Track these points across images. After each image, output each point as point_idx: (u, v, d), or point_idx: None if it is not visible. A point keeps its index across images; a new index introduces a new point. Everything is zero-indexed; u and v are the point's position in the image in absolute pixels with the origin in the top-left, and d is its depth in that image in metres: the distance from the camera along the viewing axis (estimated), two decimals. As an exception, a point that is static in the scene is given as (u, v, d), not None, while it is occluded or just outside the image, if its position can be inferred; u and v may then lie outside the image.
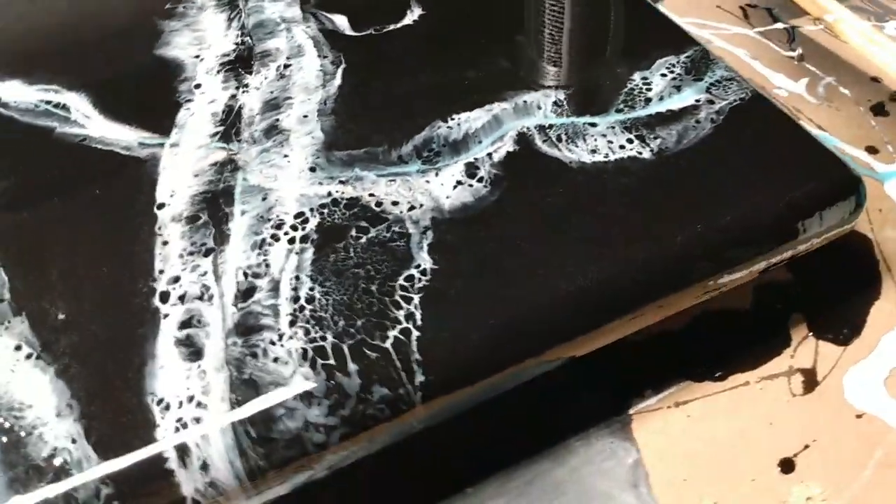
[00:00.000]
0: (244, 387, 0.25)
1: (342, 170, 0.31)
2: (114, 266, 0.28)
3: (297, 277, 0.28)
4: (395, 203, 0.30)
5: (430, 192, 0.30)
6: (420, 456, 0.28)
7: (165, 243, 0.29)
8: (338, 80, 0.35)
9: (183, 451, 0.24)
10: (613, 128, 0.32)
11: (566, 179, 0.30)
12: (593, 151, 0.31)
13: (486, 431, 0.29)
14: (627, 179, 0.30)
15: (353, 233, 0.29)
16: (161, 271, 0.28)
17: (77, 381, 0.25)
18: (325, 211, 0.30)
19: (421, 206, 0.30)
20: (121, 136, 0.33)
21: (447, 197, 0.30)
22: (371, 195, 0.30)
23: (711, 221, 0.29)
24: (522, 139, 0.32)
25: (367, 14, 0.39)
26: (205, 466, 0.23)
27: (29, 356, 0.26)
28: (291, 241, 0.29)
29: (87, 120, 0.34)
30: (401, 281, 0.27)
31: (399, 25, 0.38)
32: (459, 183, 0.30)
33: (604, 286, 0.27)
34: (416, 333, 0.26)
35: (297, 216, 0.30)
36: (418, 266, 0.28)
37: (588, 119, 0.33)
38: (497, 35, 0.37)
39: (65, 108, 0.34)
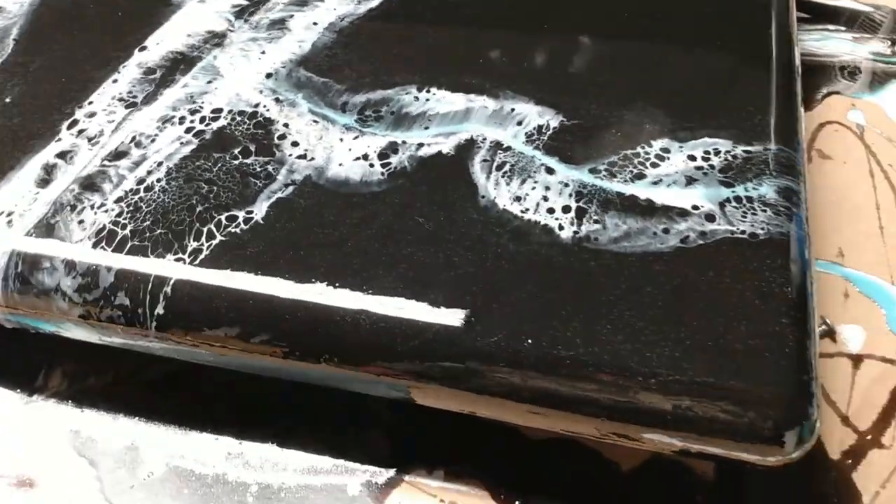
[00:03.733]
0: (44, 228, 0.26)
1: (289, 89, 0.30)
2: (66, 78, 0.31)
3: (160, 164, 0.28)
4: (294, 144, 0.28)
5: (331, 148, 0.28)
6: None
7: (115, 81, 0.30)
8: (374, 3, 0.32)
9: (-29, 250, 0.26)
10: (567, 185, 0.26)
11: (463, 210, 0.26)
12: (516, 199, 0.26)
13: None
14: (519, 247, 0.25)
15: (236, 151, 0.28)
16: (90, 102, 0.30)
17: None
18: (238, 119, 0.29)
19: (311, 159, 0.27)
20: (179, -27, 0.34)
21: (340, 164, 0.27)
22: (285, 125, 0.28)
23: (568, 345, 0.23)
24: (465, 148, 0.27)
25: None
26: (-23, 272, 0.26)
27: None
28: (188, 130, 0.29)
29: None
30: (223, 217, 0.26)
31: (486, -27, 0.33)
32: (365, 157, 0.27)
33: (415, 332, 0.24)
34: (183, 274, 0.25)
35: (214, 111, 0.29)
36: (250, 213, 0.26)
37: (552, 161, 0.27)
38: (536, 27, 0.31)
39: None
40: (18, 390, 0.29)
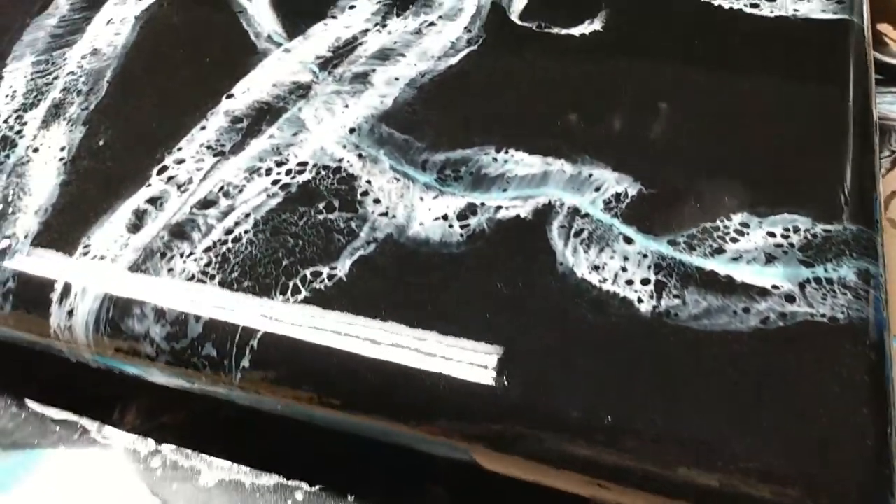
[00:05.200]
0: (135, 274, 0.27)
1: (372, 144, 0.30)
2: (157, 122, 0.32)
3: (248, 215, 0.28)
4: (376, 201, 0.28)
5: (412, 207, 0.28)
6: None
7: (203, 128, 0.31)
8: (454, 60, 0.33)
9: (65, 292, 0.27)
10: (646, 256, 0.26)
11: (541, 277, 0.26)
12: (595, 268, 0.26)
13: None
14: (597, 318, 0.25)
15: (321, 206, 0.28)
16: (180, 148, 0.31)
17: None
18: (323, 173, 0.29)
19: (392, 217, 0.28)
20: (266, 22, 0.35)
21: (420, 223, 0.28)
22: (367, 181, 0.29)
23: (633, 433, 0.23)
24: (543, 213, 0.28)
25: (548, 2, 0.35)
26: (71, 313, 0.27)
27: (62, 159, 0.31)
28: (274, 182, 0.29)
29: (257, -5, 0.37)
30: (308, 272, 0.27)
31: (563, 31, 0.34)
32: (445, 217, 0.28)
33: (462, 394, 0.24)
34: (270, 328, 0.25)
35: (300, 164, 0.30)
36: (334, 268, 0.27)
37: (630, 231, 0.27)
38: (644, 94, 0.31)
39: (254, -23, 0.37)
40: (93, 424, 0.30)
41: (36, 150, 0.31)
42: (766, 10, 0.33)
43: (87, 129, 0.32)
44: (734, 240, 0.26)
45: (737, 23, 0.33)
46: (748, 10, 0.33)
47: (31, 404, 0.31)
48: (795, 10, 0.33)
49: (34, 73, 0.34)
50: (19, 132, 0.32)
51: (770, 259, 0.26)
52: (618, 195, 0.28)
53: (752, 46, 0.32)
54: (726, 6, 0.34)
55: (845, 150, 0.29)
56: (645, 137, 0.29)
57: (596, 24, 0.33)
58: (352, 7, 0.36)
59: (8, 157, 0.31)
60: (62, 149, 0.31)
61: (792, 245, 0.26)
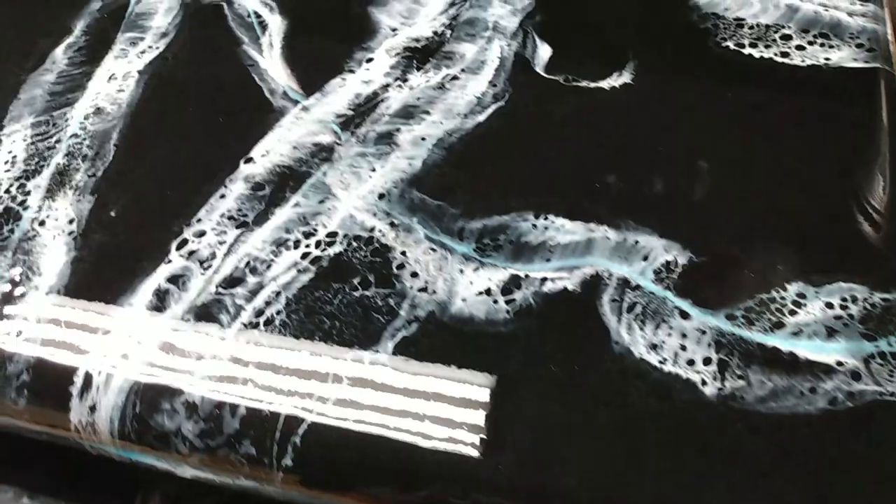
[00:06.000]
0: (162, 363, 0.25)
1: (403, 211, 0.29)
2: (172, 190, 0.30)
3: (278, 294, 0.27)
4: (414, 275, 0.27)
5: (452, 281, 0.27)
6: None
7: (223, 196, 0.30)
8: (482, 117, 0.32)
9: (86, 385, 0.25)
10: (704, 333, 0.25)
11: (597, 358, 0.25)
12: (652, 347, 0.25)
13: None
14: (660, 403, 0.24)
15: (355, 282, 0.27)
16: (199, 220, 0.29)
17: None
18: (355, 245, 0.28)
19: (433, 292, 0.26)
20: (279, 77, 0.34)
21: (463, 300, 0.26)
22: (402, 253, 0.28)
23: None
24: (592, 285, 0.26)
25: (574, 54, 0.33)
26: (93, 408, 0.25)
27: (71, 233, 0.29)
28: (304, 255, 0.28)
29: (269, 50, 0.35)
30: (348, 357, 0.25)
31: (592, 84, 0.32)
32: (488, 292, 0.26)
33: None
34: (313, 420, 0.24)
35: (329, 235, 0.28)
36: (376, 352, 0.25)
37: (685, 305, 0.26)
38: (689, 148, 0.30)
39: (264, 27, 0.36)
40: (114, 511, 0.28)
41: (42, 223, 0.29)
42: (797, 59, 0.33)
43: (96, 198, 0.30)
44: (792, 312, 0.25)
45: (769, 72, 0.32)
46: (779, 59, 0.32)
47: (45, 498, 0.28)
48: (827, 59, 0.32)
49: (34, 135, 0.32)
50: (23, 203, 0.30)
51: (831, 333, 0.25)
52: (667, 264, 0.26)
53: (787, 97, 0.31)
54: (756, 55, 0.33)
55: (893, 209, 0.28)
56: (687, 199, 0.28)
57: (625, 77, 0.32)
58: (369, 60, 0.34)
59: (12, 231, 0.29)
60: (70, 221, 0.29)
61: (851, 317, 0.25)
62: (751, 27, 0.34)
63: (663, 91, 0.32)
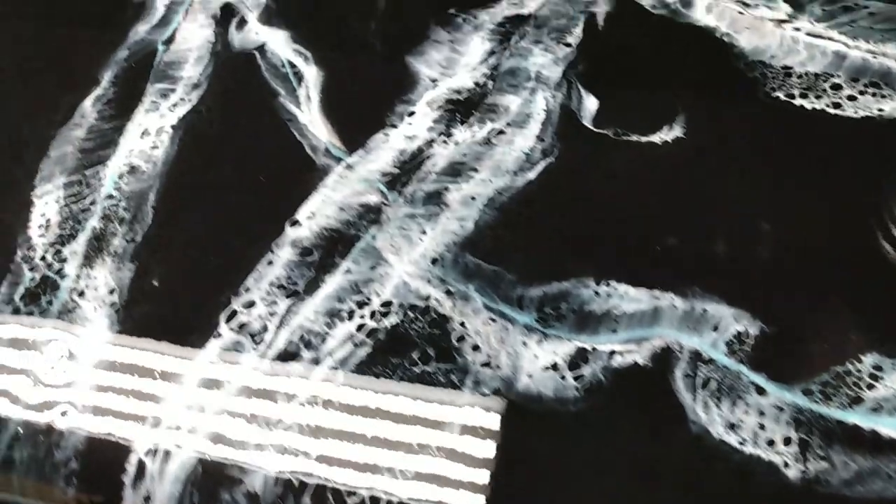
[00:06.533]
0: (220, 453, 0.24)
1: (458, 278, 0.28)
2: (216, 256, 0.29)
3: (335, 369, 0.26)
4: (475, 348, 0.26)
5: (517, 356, 0.26)
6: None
7: (270, 263, 0.29)
8: (532, 175, 0.31)
9: (139, 473, 0.24)
10: (782, 410, 0.24)
11: (674, 439, 0.24)
12: (730, 427, 0.24)
13: None
14: (743, 488, 0.23)
15: (415, 356, 0.26)
16: (247, 289, 0.28)
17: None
18: (412, 315, 0.27)
19: (497, 367, 0.25)
20: (320, 132, 0.33)
21: (529, 376, 0.25)
22: (462, 324, 0.27)
23: None
24: (663, 359, 0.25)
25: (621, 106, 0.33)
26: (147, 499, 0.24)
27: (113, 304, 0.28)
28: (360, 327, 0.27)
29: (306, 103, 0.34)
30: (414, 443, 0.24)
31: (643, 139, 0.32)
32: (554, 367, 0.25)
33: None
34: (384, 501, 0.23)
35: (384, 304, 0.27)
36: (442, 431, 0.24)
37: (760, 379, 0.25)
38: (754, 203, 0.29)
39: (299, 78, 0.35)
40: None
41: (81, 293, 0.28)
42: (849, 111, 0.32)
43: (137, 266, 0.29)
44: (870, 386, 0.24)
45: (823, 125, 0.31)
46: (831, 110, 0.32)
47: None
48: (880, 110, 0.32)
49: (68, 196, 0.31)
50: (59, 271, 0.29)
51: (910, 406, 0.24)
52: (739, 335, 0.26)
53: (845, 152, 0.30)
54: (808, 106, 0.32)
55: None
56: (751, 262, 0.28)
57: (676, 131, 0.31)
58: (411, 114, 0.33)
59: (51, 302, 0.28)
60: (111, 292, 0.28)
61: (931, 388, 0.24)
62: (799, 76, 0.33)
63: (717, 146, 0.31)
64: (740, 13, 0.35)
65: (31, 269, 0.28)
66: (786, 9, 0.35)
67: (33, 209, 0.31)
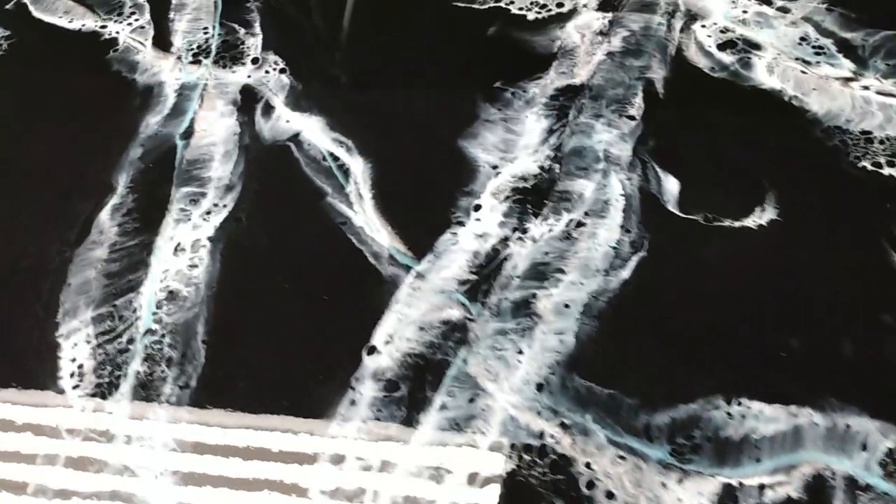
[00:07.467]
0: None
1: (572, 406, 0.25)
2: (290, 398, 0.25)
3: (455, 537, 0.22)
4: (609, 496, 0.23)
5: (657, 500, 0.23)
6: None
7: (354, 403, 0.25)
8: (626, 273, 0.28)
9: None
10: (951, 534, 0.22)
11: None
12: (903, 560, 0.21)
13: None
14: None
15: (543, 511, 0.22)
16: (332, 436, 0.24)
17: None
18: (527, 458, 0.24)
19: (638, 516, 0.22)
20: (381, 237, 0.29)
21: (675, 523, 0.22)
22: (588, 466, 0.23)
23: None
24: (817, 490, 0.23)
25: (704, 186, 0.30)
26: None
27: (175, 472, 0.24)
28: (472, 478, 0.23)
29: (359, 202, 0.30)
30: None
31: (737, 224, 0.29)
32: (700, 508, 0.22)
33: None
34: None
35: (492, 447, 0.24)
36: None
37: (920, 499, 0.22)
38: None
39: (346, 173, 0.31)
40: None
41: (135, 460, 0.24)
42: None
43: (197, 419, 0.25)
44: None
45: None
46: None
47: None
48: (974, 177, 0.30)
49: (99, 334, 0.27)
50: (106, 433, 0.24)
51: None
52: (891, 453, 0.23)
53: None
54: (898, 175, 0.30)
55: None
56: (882, 363, 0.25)
57: (769, 212, 0.29)
58: (477, 208, 0.30)
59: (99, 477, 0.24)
60: (172, 451, 0.24)
61: None
62: (881, 142, 0.31)
63: (816, 228, 0.29)
64: (803, 72, 0.33)
65: (71, 434, 0.23)
66: (849, 65, 0.33)
67: (61, 353, 0.26)
